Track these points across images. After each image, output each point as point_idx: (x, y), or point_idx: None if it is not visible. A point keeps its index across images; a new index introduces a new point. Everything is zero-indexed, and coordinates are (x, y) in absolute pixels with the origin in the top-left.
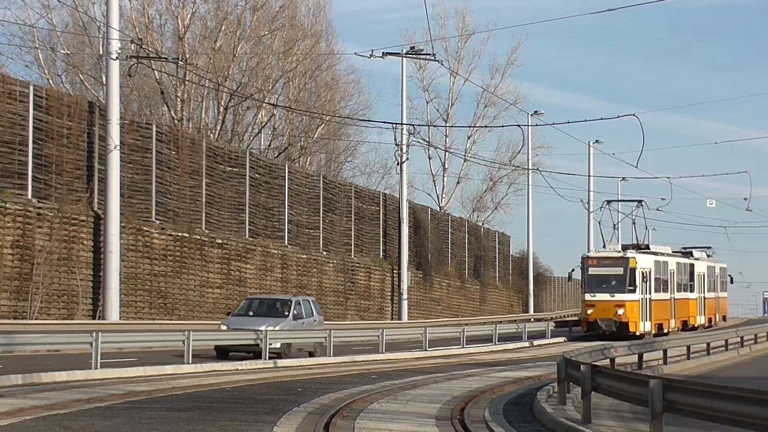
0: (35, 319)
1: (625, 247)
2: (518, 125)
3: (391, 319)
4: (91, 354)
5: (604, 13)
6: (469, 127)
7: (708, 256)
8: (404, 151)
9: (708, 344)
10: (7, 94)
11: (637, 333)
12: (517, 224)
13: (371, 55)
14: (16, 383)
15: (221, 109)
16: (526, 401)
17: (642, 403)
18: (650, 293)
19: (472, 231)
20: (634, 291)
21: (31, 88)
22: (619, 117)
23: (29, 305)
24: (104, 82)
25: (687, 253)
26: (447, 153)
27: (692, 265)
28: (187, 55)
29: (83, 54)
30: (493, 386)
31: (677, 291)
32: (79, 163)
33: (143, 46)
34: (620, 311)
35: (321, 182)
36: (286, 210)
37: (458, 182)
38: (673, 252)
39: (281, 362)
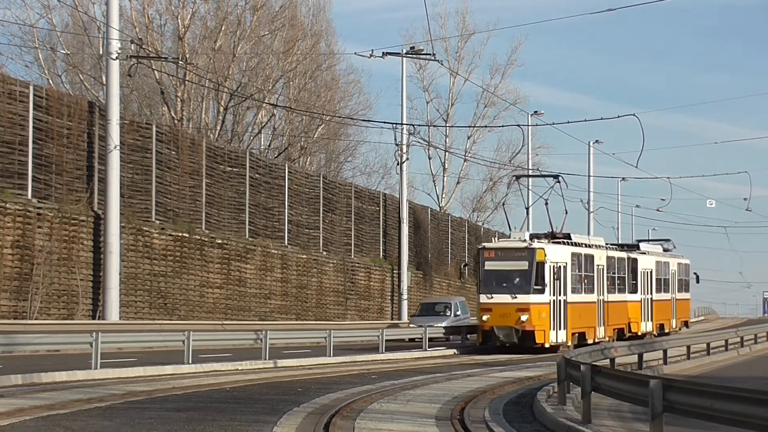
0: (35, 319)
1: (535, 237)
2: (518, 125)
3: (391, 319)
4: (91, 354)
5: (604, 13)
6: (469, 127)
7: (665, 250)
8: (404, 151)
9: (708, 344)
10: (7, 94)
11: (547, 345)
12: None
13: (371, 55)
14: (16, 383)
15: (221, 109)
16: (526, 401)
17: (642, 403)
18: (565, 294)
19: (472, 231)
20: (542, 291)
21: (31, 88)
22: (619, 117)
23: (29, 305)
24: (104, 82)
25: (632, 247)
26: (447, 153)
27: (634, 261)
28: (187, 55)
29: (83, 54)
30: (492, 386)
31: (610, 291)
32: (79, 163)
33: (143, 46)
34: (523, 317)
35: (321, 182)
36: (286, 210)
37: (458, 182)
38: (609, 245)
39: (281, 362)
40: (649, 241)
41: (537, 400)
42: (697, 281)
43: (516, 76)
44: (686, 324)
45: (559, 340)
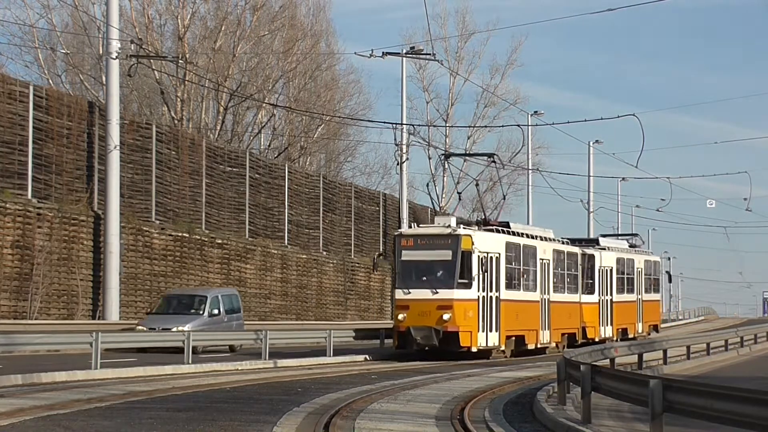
0: (35, 319)
1: (464, 222)
2: (518, 125)
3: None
4: (91, 354)
5: (604, 13)
6: (469, 127)
7: (632, 246)
8: (404, 151)
9: (708, 344)
10: (7, 94)
11: (474, 348)
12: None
13: (371, 55)
14: (16, 383)
15: (221, 109)
16: (526, 401)
17: (642, 403)
18: (498, 290)
19: None
20: (468, 285)
21: (31, 88)
22: (619, 117)
23: (29, 305)
24: (104, 82)
25: (591, 241)
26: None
27: (590, 257)
28: (187, 55)
29: (83, 54)
30: (492, 386)
31: (558, 290)
32: (79, 163)
33: (143, 47)
34: (445, 315)
35: (321, 182)
36: (286, 210)
37: (458, 182)
38: (566, 239)
39: (281, 362)
40: (613, 236)
41: (537, 400)
42: (670, 280)
43: (516, 76)
44: (656, 328)
45: (490, 344)
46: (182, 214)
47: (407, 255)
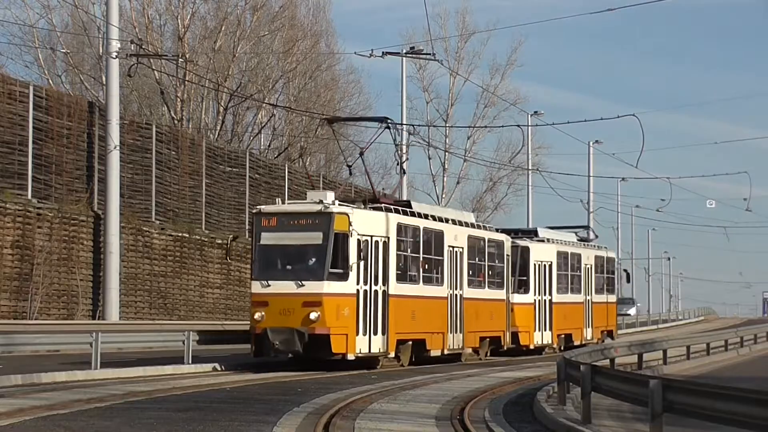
0: (35, 319)
1: (345, 201)
2: (518, 125)
3: None
4: (91, 354)
5: (604, 13)
6: (469, 127)
7: (582, 240)
8: (404, 151)
9: (708, 344)
10: (7, 94)
11: (351, 356)
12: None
13: (371, 55)
14: (16, 383)
15: (221, 109)
16: (525, 401)
17: (642, 403)
18: (386, 283)
19: None
20: (343, 276)
21: (31, 88)
22: (619, 117)
23: (29, 305)
24: (104, 82)
25: (528, 233)
26: (447, 153)
27: (523, 250)
28: (187, 55)
29: (83, 54)
30: (492, 386)
31: (474, 285)
32: (79, 163)
33: (143, 47)
34: (313, 314)
35: (321, 182)
36: None
37: (458, 182)
38: (501, 230)
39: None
40: (560, 228)
41: (537, 400)
42: (628, 280)
43: (516, 76)
44: (610, 335)
45: (373, 350)
46: (182, 214)
47: (268, 238)
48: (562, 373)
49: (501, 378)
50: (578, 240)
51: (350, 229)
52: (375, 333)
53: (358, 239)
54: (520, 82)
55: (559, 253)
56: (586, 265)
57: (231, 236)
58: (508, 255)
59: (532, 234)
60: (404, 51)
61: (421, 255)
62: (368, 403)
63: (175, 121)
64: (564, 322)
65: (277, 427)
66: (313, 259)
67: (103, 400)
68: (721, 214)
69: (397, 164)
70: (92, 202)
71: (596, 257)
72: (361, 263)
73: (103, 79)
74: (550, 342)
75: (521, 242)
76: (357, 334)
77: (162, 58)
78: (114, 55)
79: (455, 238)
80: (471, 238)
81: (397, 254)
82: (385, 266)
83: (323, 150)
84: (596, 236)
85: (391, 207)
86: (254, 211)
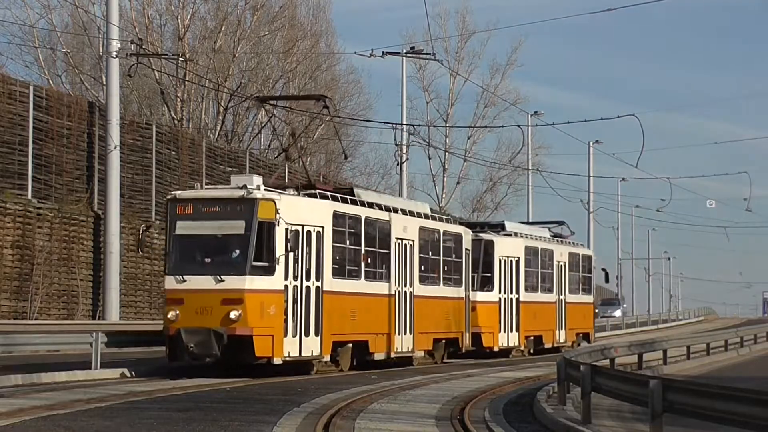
0: (35, 319)
1: (276, 186)
2: (518, 125)
3: None
4: (91, 354)
5: (604, 13)
6: (469, 127)
7: (556, 236)
8: (404, 151)
9: (708, 344)
10: (7, 94)
11: (278, 360)
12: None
13: (371, 55)
14: (16, 383)
15: (221, 109)
16: (525, 401)
17: (642, 403)
18: (320, 278)
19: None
20: (269, 270)
21: (31, 88)
22: (619, 117)
23: (29, 305)
24: (104, 82)
25: (495, 227)
26: (447, 153)
27: (487, 244)
28: (187, 55)
29: (83, 54)
30: (492, 386)
31: (428, 282)
32: (79, 163)
33: (143, 47)
34: (234, 313)
35: (321, 183)
36: None
37: (458, 182)
38: (441, 217)
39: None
40: (533, 223)
41: (537, 400)
42: (606, 280)
43: (516, 76)
44: (587, 338)
45: (304, 353)
46: None
47: (183, 227)
48: (562, 373)
49: (501, 378)
50: (552, 236)
51: (277, 217)
52: (306, 334)
53: (287, 228)
54: (520, 82)
55: (528, 249)
56: (559, 262)
57: (143, 225)
58: (467, 249)
59: (498, 228)
60: (404, 51)
61: (363, 247)
62: (368, 403)
63: (175, 121)
64: (533, 323)
65: (277, 427)
66: (235, 251)
67: (103, 400)
68: (721, 214)
69: (397, 164)
70: (92, 202)
71: (571, 254)
72: (291, 256)
73: (103, 79)
74: (516, 344)
75: (485, 236)
76: (285, 335)
77: (162, 57)
78: (114, 54)
79: (404, 229)
80: (424, 230)
81: (333, 246)
82: (320, 259)
83: (323, 150)
84: (572, 233)
85: (328, 194)
86: (168, 196)
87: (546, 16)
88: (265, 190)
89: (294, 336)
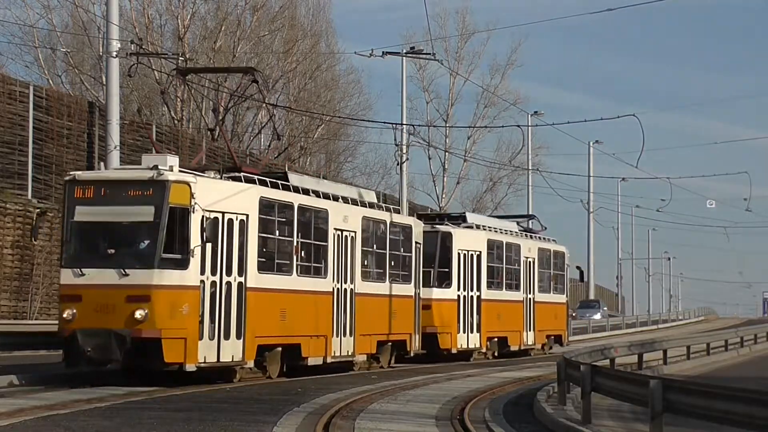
0: (35, 319)
1: (195, 168)
2: (518, 125)
3: None
4: None
5: (604, 13)
6: (469, 127)
7: (526, 230)
8: (404, 151)
9: (708, 344)
10: (7, 94)
11: (191, 366)
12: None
13: (371, 54)
14: (16, 383)
15: (221, 109)
16: (526, 401)
17: (642, 403)
18: (243, 273)
19: None
20: (181, 263)
21: (31, 88)
22: (619, 117)
23: (29, 305)
24: (104, 82)
25: (455, 219)
26: (447, 153)
27: (444, 236)
28: (187, 55)
29: (83, 54)
30: (492, 386)
31: (369, 277)
32: (79, 163)
33: (143, 47)
34: (139, 312)
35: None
36: None
37: (458, 182)
38: (389, 207)
39: None
40: (501, 217)
41: (537, 400)
42: (582, 279)
43: (516, 76)
44: (559, 341)
45: (223, 358)
46: None
47: (83, 213)
48: (562, 373)
49: (501, 378)
50: (521, 230)
51: (192, 202)
52: (226, 337)
53: (204, 216)
54: (520, 82)
55: (490, 242)
56: (527, 257)
57: (37, 211)
58: (418, 243)
59: (459, 220)
60: (404, 51)
61: (296, 239)
62: (368, 403)
63: (175, 121)
64: (497, 323)
65: (277, 427)
66: (143, 242)
67: (103, 400)
68: (721, 214)
69: (397, 164)
70: None
71: (541, 250)
72: (208, 247)
73: (103, 79)
74: (477, 345)
75: (442, 228)
76: (200, 338)
77: (162, 57)
78: (114, 54)
79: (345, 219)
80: (368, 221)
81: (260, 237)
82: (243, 252)
83: (323, 150)
84: (544, 228)
85: (255, 177)
86: (66, 177)
87: (546, 16)
88: (179, 171)
89: (211, 339)
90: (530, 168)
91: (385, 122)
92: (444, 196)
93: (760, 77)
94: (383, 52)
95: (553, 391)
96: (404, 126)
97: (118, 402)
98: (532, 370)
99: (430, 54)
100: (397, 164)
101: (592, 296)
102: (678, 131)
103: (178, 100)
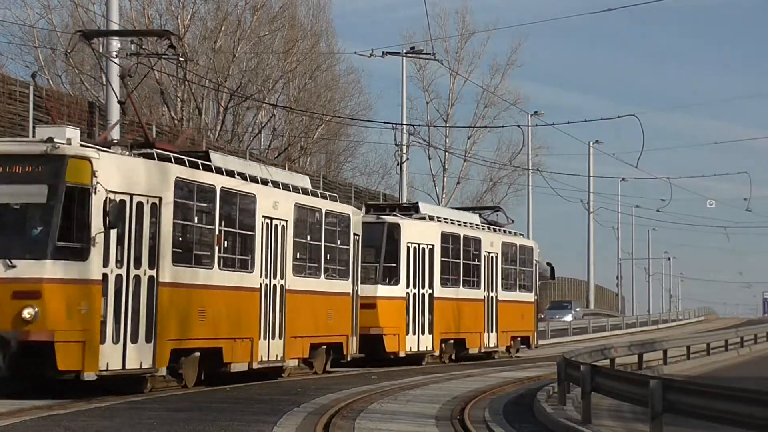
0: None
1: (100, 144)
2: (518, 125)
3: None
4: None
5: (604, 13)
6: (469, 127)
7: (490, 224)
8: (404, 151)
9: (708, 344)
10: (7, 94)
11: (90, 375)
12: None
13: (371, 55)
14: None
15: (221, 109)
16: (526, 401)
17: (642, 403)
18: (155, 266)
19: None
20: (81, 254)
21: (31, 88)
22: (619, 117)
23: None
24: (104, 82)
25: (407, 209)
26: (447, 153)
27: (391, 228)
28: (188, 55)
29: (83, 54)
30: (492, 386)
31: (302, 272)
32: None
33: (143, 47)
34: (28, 311)
35: (321, 182)
36: None
37: (458, 182)
38: (326, 194)
39: None
40: (463, 208)
41: (537, 400)
42: (552, 277)
43: (516, 76)
44: (526, 342)
45: (130, 365)
46: None
47: None
48: (563, 373)
49: (501, 378)
50: (484, 223)
51: (94, 182)
52: (134, 340)
53: (108, 198)
54: (520, 82)
55: (445, 235)
56: (489, 252)
57: None
58: (356, 234)
59: (411, 210)
60: (404, 51)
61: (218, 227)
62: (368, 403)
63: (175, 121)
64: (452, 324)
65: (277, 427)
66: (33, 227)
67: (103, 400)
68: (721, 214)
69: (397, 164)
70: None
71: (505, 244)
72: (113, 234)
73: (103, 79)
74: (429, 348)
75: (389, 218)
76: (102, 341)
77: (162, 57)
78: (114, 54)
79: (275, 205)
80: (301, 209)
81: (175, 223)
82: (155, 241)
83: (323, 150)
84: (511, 221)
85: (171, 155)
86: None
87: (546, 16)
88: (80, 145)
89: (116, 343)
90: (530, 168)
91: (385, 122)
92: (444, 196)
93: (760, 77)
94: (383, 52)
95: (553, 391)
96: (404, 126)
97: (118, 402)
98: (532, 370)
99: (430, 54)
100: (397, 164)
101: (592, 297)
102: (678, 131)
103: (178, 100)
